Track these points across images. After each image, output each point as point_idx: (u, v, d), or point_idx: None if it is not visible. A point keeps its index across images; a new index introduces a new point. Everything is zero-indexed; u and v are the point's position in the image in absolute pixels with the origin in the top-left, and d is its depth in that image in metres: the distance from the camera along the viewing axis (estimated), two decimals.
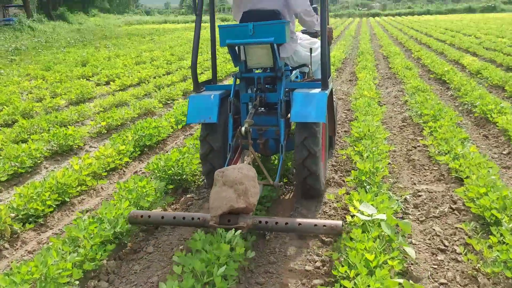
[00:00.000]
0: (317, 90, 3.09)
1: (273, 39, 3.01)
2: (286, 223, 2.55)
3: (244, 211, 2.52)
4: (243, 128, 2.95)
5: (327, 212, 3.18)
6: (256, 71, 3.40)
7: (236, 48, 3.23)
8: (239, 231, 2.49)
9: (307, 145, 3.02)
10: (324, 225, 2.51)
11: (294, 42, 3.53)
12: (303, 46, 3.69)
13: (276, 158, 3.87)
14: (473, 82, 7.06)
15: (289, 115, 3.14)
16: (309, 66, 3.72)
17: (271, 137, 3.31)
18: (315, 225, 2.53)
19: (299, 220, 2.58)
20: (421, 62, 10.71)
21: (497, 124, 4.85)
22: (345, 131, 5.24)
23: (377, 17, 52.54)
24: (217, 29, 3.38)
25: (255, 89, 3.34)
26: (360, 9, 68.36)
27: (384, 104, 6.53)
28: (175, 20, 55.51)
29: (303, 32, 4.06)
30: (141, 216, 2.75)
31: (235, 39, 3.09)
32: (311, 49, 3.63)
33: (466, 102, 6.05)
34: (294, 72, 3.74)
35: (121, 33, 29.02)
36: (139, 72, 9.58)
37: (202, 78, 8.55)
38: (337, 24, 35.10)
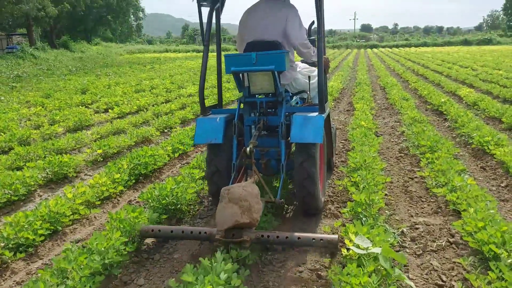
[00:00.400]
0: (315, 114, 3.34)
1: (274, 67, 3.28)
2: (287, 237, 2.77)
3: (248, 226, 2.73)
4: (247, 149, 3.22)
5: None
6: (259, 97, 3.63)
7: (240, 75, 3.52)
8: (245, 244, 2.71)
9: (306, 167, 3.23)
10: (321, 239, 2.74)
11: (293, 70, 3.87)
12: (302, 74, 4.01)
13: (277, 178, 4.05)
14: (470, 113, 7.10)
15: (289, 138, 3.30)
16: (308, 92, 4.05)
17: (272, 157, 3.59)
18: (313, 239, 2.75)
19: (298, 234, 2.79)
20: (418, 93, 10.81)
21: (494, 156, 4.84)
22: (342, 161, 5.22)
23: (375, 48, 53.49)
24: (222, 58, 3.61)
25: (257, 113, 3.58)
26: (358, 40, 69.66)
27: (381, 135, 6.54)
28: (176, 49, 56.42)
29: (302, 61, 4.27)
30: (152, 230, 2.98)
31: (240, 67, 3.37)
32: (309, 77, 3.95)
33: (463, 134, 6.07)
34: (294, 97, 4.04)
35: (122, 62, 29.44)
36: (138, 100, 9.65)
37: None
38: (335, 55, 35.69)
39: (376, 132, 6.62)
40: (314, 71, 4.00)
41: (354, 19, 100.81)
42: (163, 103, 10.07)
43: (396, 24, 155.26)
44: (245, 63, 3.37)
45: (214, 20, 3.90)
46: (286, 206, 3.79)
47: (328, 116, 3.87)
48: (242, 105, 3.61)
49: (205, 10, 3.79)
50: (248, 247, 2.75)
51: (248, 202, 2.70)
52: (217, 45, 4.07)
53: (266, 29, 3.65)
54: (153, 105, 9.45)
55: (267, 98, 3.57)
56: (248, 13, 3.83)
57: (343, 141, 6.22)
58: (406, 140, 6.06)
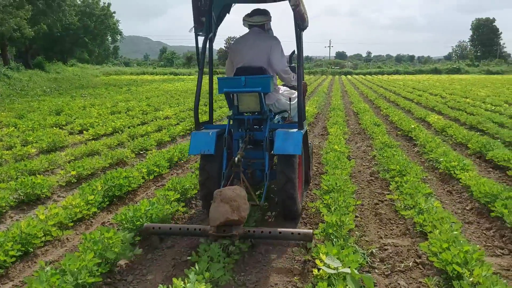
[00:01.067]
0: (295, 130, 3.80)
1: (260, 89, 3.82)
2: (270, 232, 3.25)
3: (237, 223, 3.16)
4: (236, 158, 3.66)
5: (295, 263, 3.19)
6: (246, 114, 4.09)
7: (231, 95, 4.02)
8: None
9: (287, 173, 3.69)
10: (299, 233, 3.26)
11: (276, 92, 4.39)
12: (284, 96, 4.50)
13: (261, 186, 4.40)
14: (438, 139, 7.39)
15: (273, 150, 3.74)
16: (289, 111, 4.52)
17: (257, 168, 4.08)
18: (292, 233, 3.26)
19: (279, 229, 3.27)
20: (389, 119, 11.16)
21: (460, 180, 5.05)
22: (316, 184, 5.34)
23: (349, 75, 54.91)
24: (215, 81, 4.17)
25: (245, 128, 4.09)
26: (333, 67, 71.33)
27: (353, 159, 6.72)
28: (153, 71, 56.46)
29: (283, 85, 4.81)
30: (153, 228, 3.44)
31: (231, 88, 3.90)
32: (290, 98, 4.45)
33: (431, 159, 6.31)
34: (276, 116, 4.53)
35: (98, 83, 29.28)
36: (114, 122, 9.61)
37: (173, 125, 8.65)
38: (311, 81, 36.42)
39: (349, 156, 6.80)
40: (294, 93, 4.49)
41: (329, 46, 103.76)
42: (139, 125, 10.06)
43: (369, 52, 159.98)
44: (236, 85, 3.87)
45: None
46: (269, 212, 4.29)
47: (306, 133, 4.31)
48: (231, 122, 4.10)
49: (200, 38, 4.28)
50: (236, 240, 3.19)
51: (237, 202, 3.15)
52: (209, 68, 4.49)
53: (253, 57, 4.15)
54: (128, 127, 9.43)
55: (254, 116, 4.05)
56: (238, 43, 4.35)
57: (317, 164, 6.36)
58: (377, 164, 6.24)
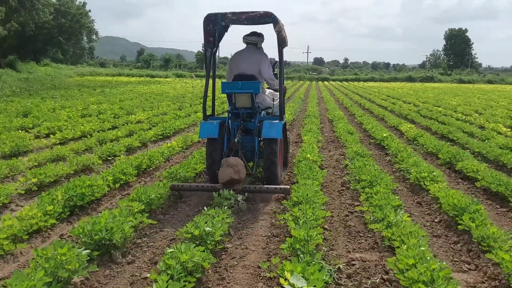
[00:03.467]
0: (277, 121, 5.18)
1: (252, 90, 5.20)
2: (260, 187, 4.81)
3: (238, 181, 4.58)
4: (236, 139, 5.14)
5: (260, 280, 3.08)
6: (240, 109, 5.41)
7: (231, 95, 5.33)
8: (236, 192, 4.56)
9: (271, 147, 5.02)
10: (280, 188, 4.78)
11: (263, 93, 5.69)
12: (269, 96, 5.85)
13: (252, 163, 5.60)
14: (410, 148, 7.44)
15: (261, 136, 5.16)
16: (272, 108, 5.82)
17: (249, 149, 5.44)
18: (275, 188, 4.80)
19: (266, 186, 4.84)
20: (363, 127, 11.23)
21: (429, 192, 5.06)
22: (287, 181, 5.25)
23: (326, 81, 55.42)
24: (215, 83, 5.88)
25: (240, 120, 5.43)
26: (310, 73, 71.92)
27: (326, 168, 6.68)
28: (129, 73, 55.51)
29: (268, 88, 6.16)
30: (177, 186, 4.83)
31: (231, 90, 5.28)
32: (273, 98, 5.82)
33: (403, 169, 6.32)
34: (263, 111, 5.79)
35: (71, 84, 28.59)
36: (83, 126, 9.32)
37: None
38: (288, 86, 36.57)
39: (321, 165, 6.75)
40: (277, 95, 5.89)
41: (307, 52, 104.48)
42: (109, 129, 9.80)
43: (346, 59, 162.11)
44: (234, 87, 5.25)
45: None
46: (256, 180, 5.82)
47: (285, 124, 5.65)
48: (230, 115, 5.44)
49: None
50: (238, 192, 4.56)
51: (238, 167, 4.55)
52: (213, 75, 5.78)
53: (247, 67, 5.50)
54: (98, 131, 9.16)
55: (247, 111, 5.40)
56: (237, 55, 5.79)
57: (289, 173, 6.29)
58: (349, 173, 6.22)
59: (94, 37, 62.19)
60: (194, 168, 5.78)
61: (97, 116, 11.87)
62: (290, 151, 7.98)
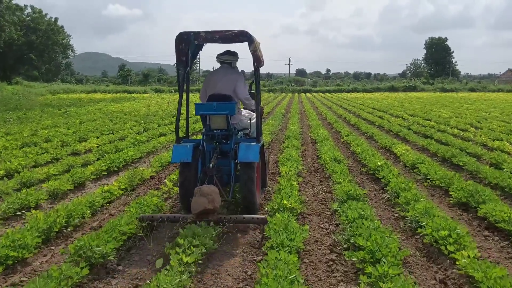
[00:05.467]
0: (254, 143, 4.94)
1: (227, 112, 4.94)
2: (236, 217, 4.34)
3: (212, 211, 4.26)
4: (210, 165, 4.82)
5: None
6: (215, 131, 5.11)
7: (205, 116, 5.07)
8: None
9: (248, 172, 4.75)
10: (257, 218, 4.31)
11: (240, 114, 5.48)
12: (245, 117, 5.61)
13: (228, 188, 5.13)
14: (412, 184, 5.90)
15: (237, 159, 4.82)
16: (249, 129, 5.62)
17: (225, 173, 5.12)
18: (252, 218, 4.33)
19: (243, 215, 4.39)
20: (351, 149, 9.72)
21: (457, 263, 3.51)
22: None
23: (309, 93, 54.23)
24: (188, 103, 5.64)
25: (215, 142, 5.13)
26: (293, 84, 70.79)
27: (308, 216, 5.11)
28: (106, 89, 53.40)
29: (245, 108, 5.85)
30: (147, 217, 4.43)
31: (205, 111, 5.00)
32: (250, 119, 5.58)
33: (409, 217, 4.76)
34: (240, 133, 5.54)
35: (36, 104, 26.58)
36: (9, 162, 7.55)
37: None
38: (269, 99, 35.17)
39: (302, 212, 5.17)
40: (253, 115, 5.67)
41: (289, 64, 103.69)
42: (46, 163, 8.07)
43: (328, 70, 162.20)
44: (209, 109, 4.94)
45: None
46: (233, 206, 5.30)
47: (262, 145, 5.52)
48: (204, 137, 5.12)
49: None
50: (211, 224, 4.18)
51: (212, 196, 4.22)
52: (186, 94, 5.55)
53: (222, 87, 5.28)
54: (29, 168, 7.43)
55: (222, 132, 5.12)
56: (211, 75, 5.59)
57: (258, 233, 4.68)
58: (339, 226, 4.65)
59: (70, 53, 60.09)
60: (123, 233, 4.11)
61: (40, 144, 10.10)
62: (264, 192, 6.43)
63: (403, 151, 8.75)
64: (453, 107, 24.20)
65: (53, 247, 4.26)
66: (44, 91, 42.26)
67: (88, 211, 5.02)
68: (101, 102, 30.46)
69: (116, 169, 7.55)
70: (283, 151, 9.17)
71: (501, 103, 28.22)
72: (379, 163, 7.14)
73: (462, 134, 11.83)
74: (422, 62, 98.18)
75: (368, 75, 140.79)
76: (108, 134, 11.96)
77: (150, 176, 7.13)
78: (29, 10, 46.18)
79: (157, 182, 6.88)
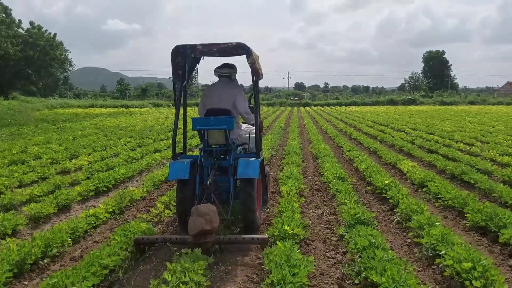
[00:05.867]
0: (253, 158, 4.76)
1: (226, 127, 4.80)
2: (235, 238, 4.17)
3: (210, 232, 4.00)
4: (208, 182, 4.58)
5: None
6: (214, 147, 5.04)
7: (202, 131, 4.93)
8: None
9: (248, 190, 4.56)
10: (258, 238, 4.17)
11: (239, 129, 5.38)
12: (245, 131, 5.46)
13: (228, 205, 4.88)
14: (425, 206, 5.44)
15: (236, 175, 4.65)
16: (248, 144, 5.46)
17: (224, 190, 4.98)
18: (252, 238, 4.17)
19: (243, 236, 4.20)
20: (355, 165, 9.27)
21: None
22: None
23: (308, 107, 53.96)
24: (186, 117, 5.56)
25: (213, 158, 5.00)
26: (292, 98, 70.61)
27: (312, 243, 4.64)
28: (104, 104, 53.04)
29: (244, 123, 5.72)
30: (142, 239, 4.25)
31: (202, 126, 4.85)
32: (249, 133, 5.43)
33: (424, 245, 4.29)
34: (239, 147, 5.36)
35: (32, 119, 26.16)
36: None
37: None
38: (268, 113, 34.82)
39: (305, 239, 4.70)
40: (253, 129, 5.50)
41: (288, 78, 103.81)
42: (32, 182, 7.60)
43: (327, 83, 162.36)
44: (206, 123, 4.81)
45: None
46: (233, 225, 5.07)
47: (263, 161, 5.24)
48: (202, 152, 4.95)
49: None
50: (210, 246, 3.99)
51: (210, 216, 3.99)
52: (183, 109, 5.36)
53: (221, 101, 5.17)
54: (12, 188, 6.96)
55: (221, 148, 5.00)
56: (209, 89, 5.43)
57: (258, 261, 4.21)
58: (347, 254, 4.18)
59: (69, 67, 59.90)
60: (104, 266, 3.63)
61: (32, 160, 9.65)
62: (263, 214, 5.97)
63: (410, 168, 8.30)
64: (455, 121, 23.84)
65: (26, 282, 3.78)
66: (41, 106, 41.95)
67: (69, 239, 4.53)
68: (98, 117, 30.06)
69: (105, 189, 7.08)
70: (283, 168, 8.73)
71: (503, 116, 27.88)
72: (386, 182, 6.68)
73: (468, 148, 11.40)
74: (421, 75, 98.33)
75: (366, 88, 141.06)
76: (100, 151, 11.51)
77: (141, 197, 6.65)
78: (27, 25, 46.10)
79: (148, 204, 6.41)
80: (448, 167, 8.27)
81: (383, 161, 9.98)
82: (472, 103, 58.73)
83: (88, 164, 9.43)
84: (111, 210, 5.65)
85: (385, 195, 6.39)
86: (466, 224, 5.17)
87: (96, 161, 9.76)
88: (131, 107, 49.42)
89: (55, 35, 48.48)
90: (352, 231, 4.55)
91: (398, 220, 5.40)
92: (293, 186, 6.64)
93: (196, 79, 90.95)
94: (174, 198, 5.42)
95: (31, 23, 45.33)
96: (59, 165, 9.18)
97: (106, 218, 5.48)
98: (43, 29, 46.72)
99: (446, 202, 6.00)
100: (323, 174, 8.11)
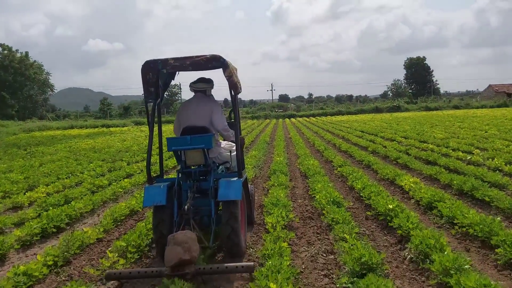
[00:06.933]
0: (235, 178, 4.47)
1: (204, 145, 4.50)
2: (218, 267, 3.76)
3: (189, 262, 3.62)
4: (185, 207, 4.25)
5: None
6: (192, 168, 4.70)
7: (179, 152, 4.68)
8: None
9: (230, 212, 4.25)
10: (242, 266, 3.84)
11: (219, 146, 5.05)
12: (225, 149, 5.18)
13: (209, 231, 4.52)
14: (444, 239, 4.38)
15: (217, 197, 4.32)
16: (230, 162, 5.14)
17: (205, 214, 4.60)
18: (236, 266, 3.82)
19: (226, 264, 3.84)
20: (349, 184, 8.23)
21: None
22: None
23: (293, 118, 53.17)
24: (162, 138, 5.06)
25: (192, 180, 4.65)
26: (276, 110, 69.83)
27: None
28: (83, 124, 51.42)
29: (224, 140, 5.42)
30: (114, 274, 3.87)
31: (178, 146, 4.54)
32: (230, 151, 5.14)
33: None
34: (220, 167, 5.09)
35: (1, 145, 24.66)
36: None
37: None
38: (253, 127, 33.81)
39: None
40: (234, 146, 5.20)
41: (272, 90, 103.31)
42: None
43: (311, 94, 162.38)
44: (182, 143, 4.51)
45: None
46: (219, 254, 4.73)
47: (246, 179, 5.06)
48: (180, 174, 4.65)
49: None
50: (190, 278, 3.58)
51: (188, 244, 3.62)
52: (158, 129, 5.07)
53: (197, 118, 4.83)
54: None
55: (199, 168, 4.67)
56: (184, 106, 5.08)
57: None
58: None
59: (49, 90, 58.18)
60: None
61: None
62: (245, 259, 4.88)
63: (412, 185, 7.29)
64: (444, 126, 23.13)
65: None
66: (18, 130, 40.35)
67: None
68: (75, 138, 28.66)
69: (54, 230, 5.88)
70: (268, 191, 7.66)
71: (491, 119, 27.31)
72: (390, 206, 5.61)
73: (469, 158, 10.47)
74: (403, 82, 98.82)
75: (350, 97, 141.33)
76: (64, 179, 10.27)
77: (97, 239, 5.48)
78: None
79: (104, 248, 5.24)
80: (454, 182, 7.27)
81: (380, 177, 8.96)
82: (456, 107, 58.70)
83: (46, 196, 8.21)
84: (51, 262, 4.46)
85: (389, 223, 5.34)
86: (498, 260, 4.13)
87: (60, 190, 8.55)
88: (112, 127, 47.93)
89: (27, 53, 46.86)
90: (359, 283, 3.46)
91: (412, 258, 4.34)
92: (280, 216, 5.55)
93: (180, 95, 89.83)
94: (132, 242, 4.56)
95: (1, 45, 43.64)
96: (10, 199, 7.93)
97: (44, 274, 4.29)
98: (14, 50, 45.06)
99: (464, 229, 4.98)
100: (314, 197, 7.04)
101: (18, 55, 46.12)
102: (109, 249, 4.81)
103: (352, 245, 4.30)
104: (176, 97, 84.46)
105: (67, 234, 5.14)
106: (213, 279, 3.98)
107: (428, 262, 3.99)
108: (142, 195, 7.63)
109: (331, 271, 4.17)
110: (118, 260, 4.40)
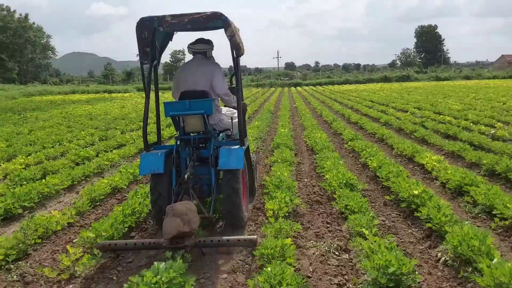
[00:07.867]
0: (237, 146, 4.26)
1: (203, 111, 4.23)
2: (219, 240, 3.60)
3: (188, 234, 3.45)
4: (185, 176, 4.00)
5: None
6: (192, 134, 4.47)
7: (177, 118, 4.35)
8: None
9: (232, 183, 4.09)
10: (244, 239, 3.63)
11: (219, 113, 4.75)
12: (226, 116, 4.90)
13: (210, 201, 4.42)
14: (489, 240, 3.49)
15: (218, 166, 4.13)
16: (231, 130, 4.87)
17: (205, 183, 4.44)
18: (238, 239, 3.66)
19: (226, 237, 3.67)
20: (362, 161, 7.33)
21: None
22: None
23: (299, 87, 51.78)
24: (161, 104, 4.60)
25: (191, 147, 4.44)
26: (282, 78, 68.24)
27: None
28: (85, 89, 50.39)
29: (225, 106, 5.14)
30: (109, 245, 3.61)
31: (177, 112, 4.27)
32: (232, 118, 4.86)
33: None
34: (220, 134, 4.90)
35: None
36: None
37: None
38: (257, 95, 32.67)
39: None
40: (235, 113, 4.88)
41: (278, 57, 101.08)
42: None
43: (317, 62, 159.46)
44: (180, 108, 4.25)
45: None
46: (219, 222, 4.58)
47: (248, 148, 4.72)
48: (178, 142, 4.45)
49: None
50: (189, 251, 3.48)
51: (188, 216, 3.43)
52: (155, 93, 4.89)
53: (196, 82, 4.48)
54: None
55: (199, 136, 4.45)
56: (183, 69, 4.72)
57: None
58: None
59: (50, 54, 56.81)
60: None
61: None
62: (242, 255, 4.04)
63: (435, 163, 6.37)
64: (458, 97, 21.99)
65: None
66: (18, 94, 39.48)
67: None
68: (74, 104, 27.78)
69: (20, 211, 5.06)
70: (270, 168, 6.78)
71: (506, 90, 26.06)
72: (416, 192, 4.72)
73: (493, 132, 9.50)
74: (413, 51, 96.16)
75: (357, 66, 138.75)
76: (49, 148, 9.42)
77: (68, 224, 4.65)
78: None
79: (73, 237, 4.41)
80: (484, 161, 6.35)
81: (396, 153, 8.04)
82: (467, 77, 56.96)
83: (24, 168, 7.38)
84: (2, 256, 3.63)
85: (414, 212, 4.46)
86: None
87: (43, 160, 7.73)
88: (114, 92, 46.91)
89: (26, 15, 45.38)
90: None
91: (446, 261, 3.48)
92: (283, 201, 4.68)
93: (184, 61, 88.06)
94: (103, 233, 3.74)
95: (0, 6, 42.17)
96: None
97: None
98: (13, 11, 43.57)
99: (507, 222, 4.10)
100: (323, 175, 6.17)
101: (17, 15, 44.63)
102: (74, 240, 3.97)
103: (372, 243, 3.43)
104: (180, 63, 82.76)
105: (26, 219, 4.29)
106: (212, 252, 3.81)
107: (470, 269, 3.14)
108: (128, 170, 6.87)
109: (345, 277, 3.32)
110: (82, 258, 3.56)
